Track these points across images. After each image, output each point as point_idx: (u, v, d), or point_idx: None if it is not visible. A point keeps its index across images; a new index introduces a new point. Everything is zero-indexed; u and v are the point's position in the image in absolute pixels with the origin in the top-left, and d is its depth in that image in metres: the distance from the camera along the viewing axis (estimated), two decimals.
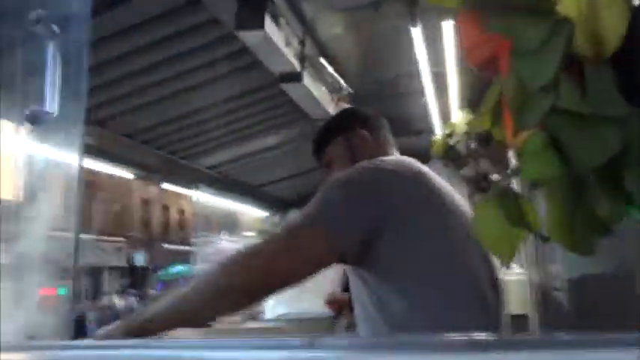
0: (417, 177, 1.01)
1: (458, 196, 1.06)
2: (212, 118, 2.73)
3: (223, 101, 2.49)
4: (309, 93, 2.31)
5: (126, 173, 2.96)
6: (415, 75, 3.12)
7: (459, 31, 0.51)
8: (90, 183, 17.93)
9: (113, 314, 9.52)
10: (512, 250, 0.56)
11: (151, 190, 18.03)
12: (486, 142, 3.14)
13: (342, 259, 0.98)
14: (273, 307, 2.14)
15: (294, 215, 1.14)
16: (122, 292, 13.43)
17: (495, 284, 1.04)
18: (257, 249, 0.96)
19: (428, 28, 2.21)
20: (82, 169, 1.01)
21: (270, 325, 2.09)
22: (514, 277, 3.58)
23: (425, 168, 1.07)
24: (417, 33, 2.25)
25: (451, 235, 0.98)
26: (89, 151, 2.52)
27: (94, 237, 18.10)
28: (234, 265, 0.92)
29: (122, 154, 2.75)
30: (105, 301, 12.42)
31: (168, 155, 3.04)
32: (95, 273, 18.54)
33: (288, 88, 2.22)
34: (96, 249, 18.08)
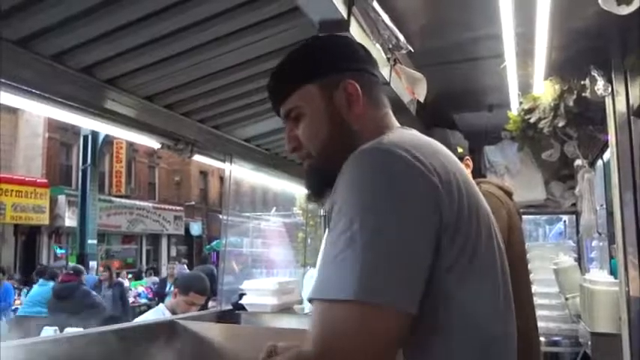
0: (467, 186, 0.82)
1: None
2: (246, 88, 2.32)
3: (254, 59, 2.06)
4: None
5: (152, 142, 2.63)
6: (492, 37, 2.54)
7: None
8: (152, 153, 18.48)
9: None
10: None
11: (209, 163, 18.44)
12: (580, 120, 2.49)
13: None
14: None
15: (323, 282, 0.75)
16: (177, 260, 13.72)
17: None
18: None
19: None
20: None
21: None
22: (603, 286, 2.93)
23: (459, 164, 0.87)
24: None
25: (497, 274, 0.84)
26: (117, 119, 2.24)
27: (154, 205, 18.71)
28: None
29: (147, 120, 2.41)
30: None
31: (199, 124, 2.68)
32: (154, 239, 19.28)
33: None
34: (156, 216, 18.75)
